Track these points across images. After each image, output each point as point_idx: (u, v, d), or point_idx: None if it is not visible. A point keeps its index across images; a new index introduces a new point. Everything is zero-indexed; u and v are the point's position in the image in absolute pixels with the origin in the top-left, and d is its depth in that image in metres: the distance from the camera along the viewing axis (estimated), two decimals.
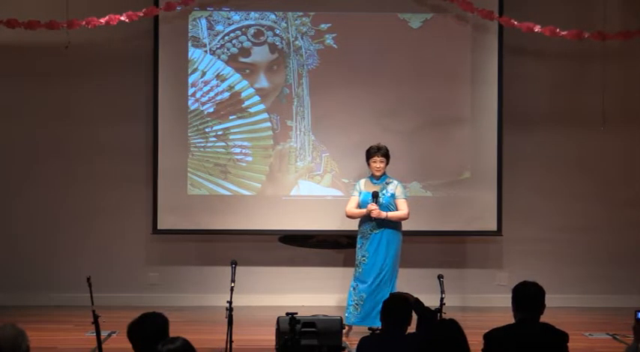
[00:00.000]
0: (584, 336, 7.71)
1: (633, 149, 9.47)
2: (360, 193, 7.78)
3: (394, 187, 7.79)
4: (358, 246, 7.78)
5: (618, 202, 9.43)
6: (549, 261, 9.29)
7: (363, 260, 7.68)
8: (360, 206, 7.78)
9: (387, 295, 7.65)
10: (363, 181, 7.91)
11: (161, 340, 4.19)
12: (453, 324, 4.33)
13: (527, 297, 4.74)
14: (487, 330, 4.72)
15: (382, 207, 7.66)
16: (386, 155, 7.81)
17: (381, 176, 7.79)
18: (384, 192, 7.72)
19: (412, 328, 5.04)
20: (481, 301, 9.16)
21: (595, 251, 9.42)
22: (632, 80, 9.41)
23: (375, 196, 7.62)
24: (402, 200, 7.78)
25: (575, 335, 7.09)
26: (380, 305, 7.58)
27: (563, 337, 4.73)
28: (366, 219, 7.71)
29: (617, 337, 7.67)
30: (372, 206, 7.60)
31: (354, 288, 7.70)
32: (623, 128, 9.35)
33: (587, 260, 9.41)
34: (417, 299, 5.19)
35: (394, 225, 7.74)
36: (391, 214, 7.69)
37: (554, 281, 9.01)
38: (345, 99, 9.08)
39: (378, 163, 7.75)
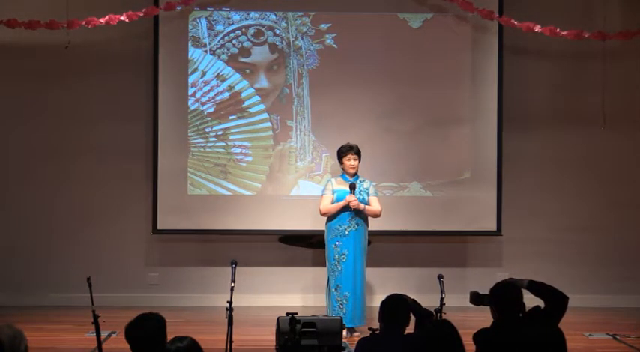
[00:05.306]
0: (584, 336, 7.70)
1: (633, 149, 9.47)
2: (335, 191, 7.76)
3: (368, 185, 7.82)
4: (333, 244, 7.70)
5: (618, 202, 9.43)
6: (549, 260, 9.28)
7: (343, 258, 7.65)
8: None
9: (362, 291, 7.71)
10: (334, 180, 7.88)
11: (159, 340, 4.21)
12: (447, 325, 4.34)
13: (508, 298, 4.76)
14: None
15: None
16: (358, 153, 7.80)
17: (354, 174, 7.79)
18: (361, 188, 7.73)
19: (410, 328, 5.04)
20: None
21: (595, 251, 9.43)
22: (632, 80, 9.41)
23: (352, 188, 7.62)
24: (375, 197, 7.82)
25: (575, 335, 7.13)
26: (361, 303, 7.65)
27: (559, 334, 4.73)
28: (340, 215, 7.69)
29: (617, 337, 7.66)
30: (351, 197, 7.59)
31: (336, 288, 7.65)
32: (623, 128, 9.36)
33: (587, 260, 9.41)
34: (414, 300, 5.19)
35: (367, 221, 7.77)
36: (368, 208, 7.72)
37: (554, 281, 8.89)
38: (345, 99, 9.09)
39: (352, 161, 7.74)
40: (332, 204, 7.73)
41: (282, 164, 9.12)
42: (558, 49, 9.26)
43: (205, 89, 9.09)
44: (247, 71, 9.11)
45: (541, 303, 4.92)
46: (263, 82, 9.11)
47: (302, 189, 9.09)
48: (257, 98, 9.11)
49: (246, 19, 9.10)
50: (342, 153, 7.82)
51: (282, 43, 9.09)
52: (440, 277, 6.07)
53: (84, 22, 8.39)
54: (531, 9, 9.05)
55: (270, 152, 9.11)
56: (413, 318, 5.09)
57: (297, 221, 9.02)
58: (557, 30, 8.57)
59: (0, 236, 9.22)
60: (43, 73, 9.20)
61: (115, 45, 9.14)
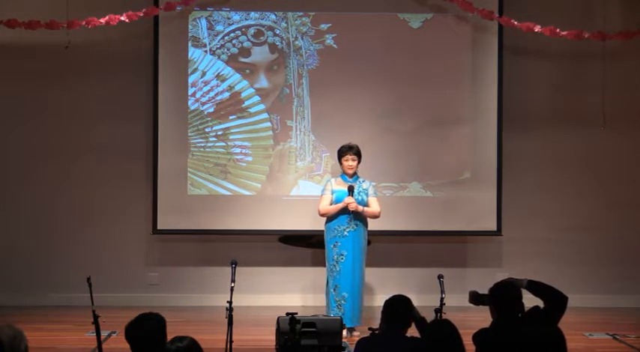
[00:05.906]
0: (584, 336, 7.70)
1: (633, 149, 9.47)
2: (334, 192, 7.74)
3: (368, 185, 7.80)
4: (331, 244, 7.67)
5: (618, 202, 9.43)
6: (549, 260, 9.28)
7: (341, 259, 7.63)
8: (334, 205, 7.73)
9: (360, 292, 7.70)
10: (334, 180, 7.86)
11: (159, 340, 4.21)
12: (447, 325, 4.34)
13: (507, 298, 4.75)
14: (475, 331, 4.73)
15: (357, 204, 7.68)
16: (358, 153, 7.77)
17: (353, 175, 7.77)
18: (360, 189, 7.72)
19: (412, 330, 5.04)
20: None
21: (595, 251, 9.43)
22: (632, 80, 9.41)
23: (350, 190, 7.60)
24: (374, 198, 7.78)
25: (575, 335, 7.13)
26: (359, 304, 7.64)
27: (558, 334, 4.73)
28: (339, 216, 7.65)
29: (617, 337, 7.66)
30: (350, 199, 7.57)
31: (334, 289, 7.62)
32: (623, 128, 9.36)
33: (587, 260, 9.41)
34: (422, 319, 5.17)
35: (366, 221, 7.75)
36: (367, 209, 7.69)
37: (554, 281, 8.86)
38: (345, 99, 9.09)
39: (350, 161, 7.72)
40: (331, 204, 7.73)
41: (282, 164, 9.12)
42: (558, 49, 9.26)
43: (205, 89, 9.09)
44: (247, 71, 9.11)
45: (540, 303, 4.92)
46: (263, 82, 9.12)
47: (302, 189, 9.09)
48: (257, 98, 9.11)
49: (246, 19, 9.10)
50: (341, 153, 7.81)
51: (282, 43, 9.09)
52: (440, 277, 6.07)
53: (84, 22, 8.39)
54: (531, 9, 9.05)
55: (270, 152, 9.12)
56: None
57: (297, 221, 9.02)
58: (557, 30, 8.57)
59: (0, 236, 9.22)
60: (43, 73, 9.20)
61: (115, 45, 9.14)
